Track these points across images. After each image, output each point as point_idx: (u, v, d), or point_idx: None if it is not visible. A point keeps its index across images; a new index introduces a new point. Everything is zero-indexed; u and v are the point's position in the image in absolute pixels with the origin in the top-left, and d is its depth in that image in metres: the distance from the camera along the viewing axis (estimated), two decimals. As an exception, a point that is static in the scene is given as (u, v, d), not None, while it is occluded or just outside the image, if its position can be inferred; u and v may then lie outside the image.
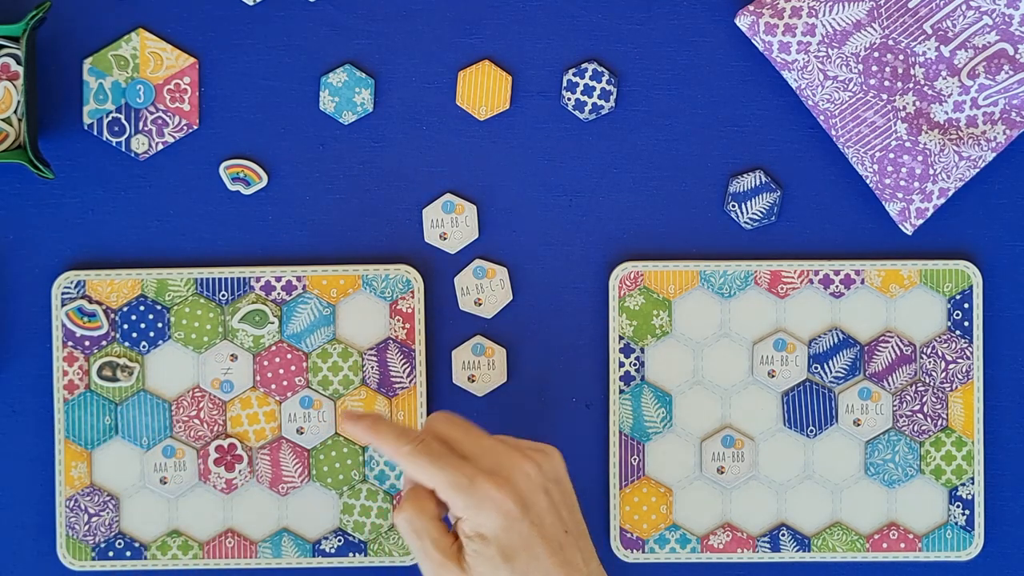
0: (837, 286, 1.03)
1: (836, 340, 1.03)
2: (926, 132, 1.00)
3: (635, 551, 1.03)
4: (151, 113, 1.03)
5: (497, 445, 0.89)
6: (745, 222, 1.04)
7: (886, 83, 1.00)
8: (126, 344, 1.03)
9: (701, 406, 1.04)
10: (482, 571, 0.87)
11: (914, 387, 1.03)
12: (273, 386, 1.03)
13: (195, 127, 1.03)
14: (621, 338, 1.03)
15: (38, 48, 1.02)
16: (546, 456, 0.90)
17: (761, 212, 1.03)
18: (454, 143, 1.04)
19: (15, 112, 1.01)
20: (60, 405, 1.03)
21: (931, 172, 1.01)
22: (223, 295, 1.03)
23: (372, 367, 1.03)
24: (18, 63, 1.01)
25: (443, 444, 0.89)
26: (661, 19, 1.03)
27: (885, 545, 1.03)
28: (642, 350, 1.03)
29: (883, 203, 1.02)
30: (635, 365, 1.03)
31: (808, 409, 1.03)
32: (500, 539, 0.87)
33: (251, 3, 1.03)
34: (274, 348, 1.03)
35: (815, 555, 1.03)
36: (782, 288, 1.03)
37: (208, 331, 1.03)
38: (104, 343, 1.03)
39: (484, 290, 1.04)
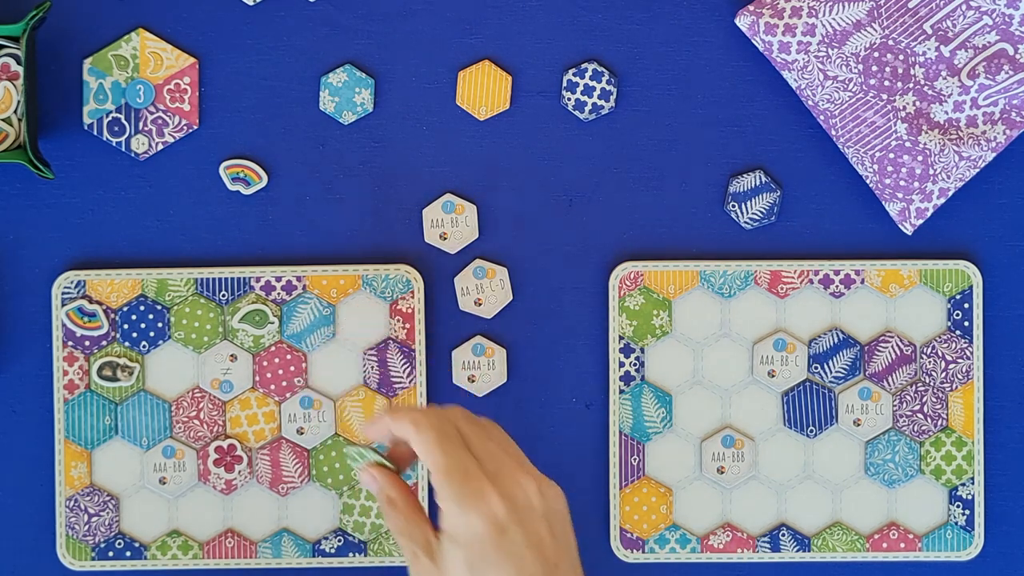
0: (837, 286, 1.03)
1: (836, 340, 1.03)
2: (926, 132, 1.00)
3: (635, 551, 1.03)
4: (151, 113, 1.03)
5: (507, 459, 0.82)
6: (745, 222, 1.04)
7: (886, 83, 1.00)
8: (126, 344, 1.03)
9: (701, 406, 1.04)
10: (451, 572, 0.80)
11: (914, 387, 1.03)
12: (273, 386, 1.03)
13: (195, 127, 1.03)
14: (621, 338, 1.03)
15: (38, 48, 1.02)
16: (553, 489, 0.83)
17: (761, 212, 1.03)
18: (454, 143, 1.04)
19: (15, 112, 1.01)
20: (60, 405, 1.03)
21: (931, 172, 1.01)
22: (223, 295, 1.03)
23: (372, 367, 1.03)
24: (18, 63, 1.01)
25: (457, 435, 0.83)
26: (661, 19, 1.03)
27: (885, 545, 1.03)
28: (642, 350, 1.03)
29: (883, 203, 1.02)
30: (635, 365, 1.03)
31: (808, 409, 1.03)
32: (472, 547, 0.79)
33: (251, 3, 1.03)
34: (274, 348, 1.03)
35: (815, 555, 1.03)
36: (782, 288, 1.03)
37: (208, 331, 1.03)
38: (104, 343, 1.03)
39: (484, 290, 1.04)
